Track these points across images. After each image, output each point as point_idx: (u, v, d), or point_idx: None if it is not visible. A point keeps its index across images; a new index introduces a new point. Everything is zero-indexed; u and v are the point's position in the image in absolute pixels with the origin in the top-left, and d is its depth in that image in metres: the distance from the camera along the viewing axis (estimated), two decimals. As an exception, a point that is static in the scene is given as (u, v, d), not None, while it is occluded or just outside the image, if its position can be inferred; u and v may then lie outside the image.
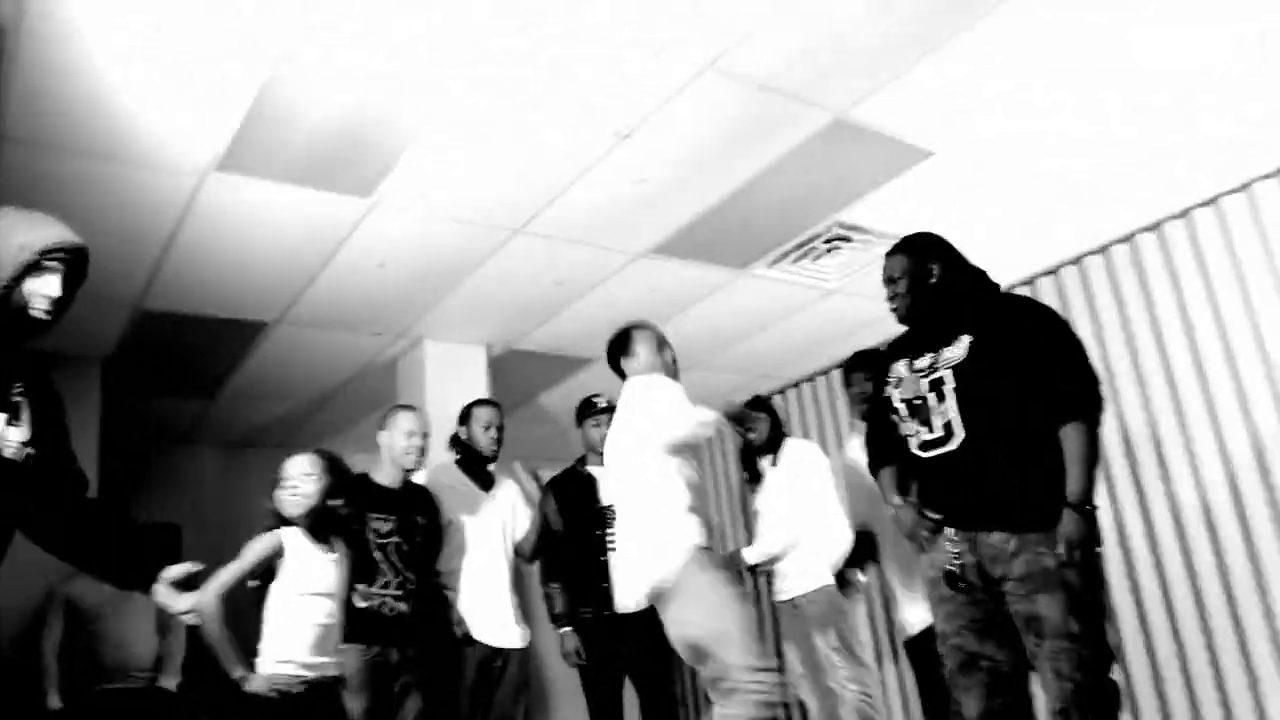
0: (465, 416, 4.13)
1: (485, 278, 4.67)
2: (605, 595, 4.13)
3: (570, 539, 4.24)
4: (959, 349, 2.77)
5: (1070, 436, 2.60)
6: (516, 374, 5.73)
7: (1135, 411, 4.70)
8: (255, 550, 2.85)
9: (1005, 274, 3.68)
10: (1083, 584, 2.54)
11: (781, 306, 5.37)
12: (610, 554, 4.22)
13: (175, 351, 5.13)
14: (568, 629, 4.18)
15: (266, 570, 2.86)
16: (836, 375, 6.35)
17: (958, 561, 2.68)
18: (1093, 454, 2.60)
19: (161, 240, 3.99)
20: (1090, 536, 2.55)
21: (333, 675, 2.87)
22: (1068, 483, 2.58)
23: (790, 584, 4.11)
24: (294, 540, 2.90)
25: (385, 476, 3.72)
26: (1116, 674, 2.58)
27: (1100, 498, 4.56)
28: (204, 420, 6.19)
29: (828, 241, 4.74)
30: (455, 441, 4.12)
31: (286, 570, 2.85)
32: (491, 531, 3.95)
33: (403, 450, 3.70)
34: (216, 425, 6.29)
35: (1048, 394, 2.63)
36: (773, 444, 4.28)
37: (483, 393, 5.39)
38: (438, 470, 4.10)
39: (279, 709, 2.67)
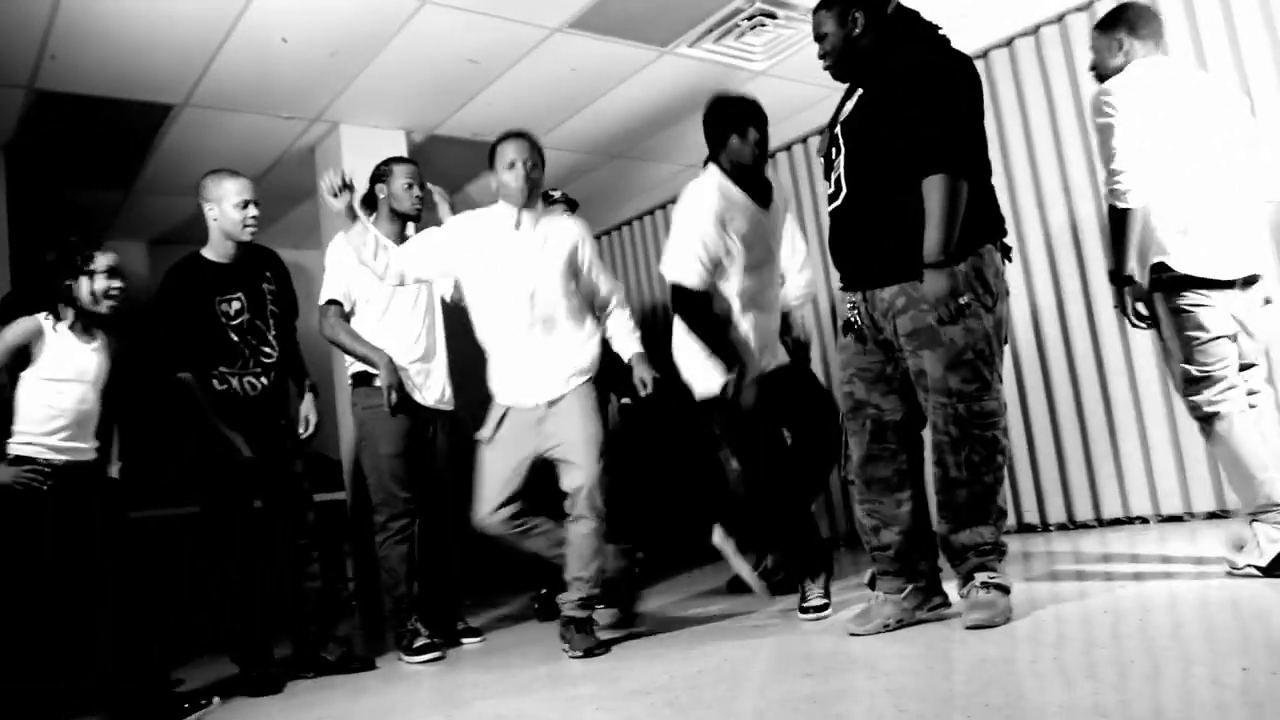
0: (382, 174, 3.78)
1: (396, 53, 4.49)
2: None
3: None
4: (853, 102, 2.72)
5: (929, 189, 2.50)
6: (440, 163, 5.60)
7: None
8: (16, 333, 2.72)
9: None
10: (965, 342, 2.55)
11: (706, 89, 5.21)
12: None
13: (82, 137, 4.95)
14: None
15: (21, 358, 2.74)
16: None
17: (853, 312, 2.73)
18: (952, 207, 2.47)
19: (44, 14, 3.77)
20: (953, 291, 2.49)
21: (88, 460, 2.79)
22: (925, 240, 2.50)
23: None
24: (55, 327, 2.78)
25: (218, 253, 3.41)
26: (1000, 432, 2.61)
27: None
28: (123, 214, 6.04)
29: (750, 18, 4.59)
30: (369, 202, 3.82)
31: (45, 356, 2.74)
32: (415, 295, 3.75)
33: (238, 222, 3.35)
34: (136, 219, 6.14)
35: (916, 144, 2.52)
36: None
37: (404, 181, 5.29)
38: (352, 234, 3.88)
39: (24, 497, 2.64)
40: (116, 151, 5.18)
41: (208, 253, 3.43)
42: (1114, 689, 1.83)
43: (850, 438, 2.81)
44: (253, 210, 3.39)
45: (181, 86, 4.53)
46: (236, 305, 3.40)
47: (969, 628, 2.49)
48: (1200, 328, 2.76)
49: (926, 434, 2.73)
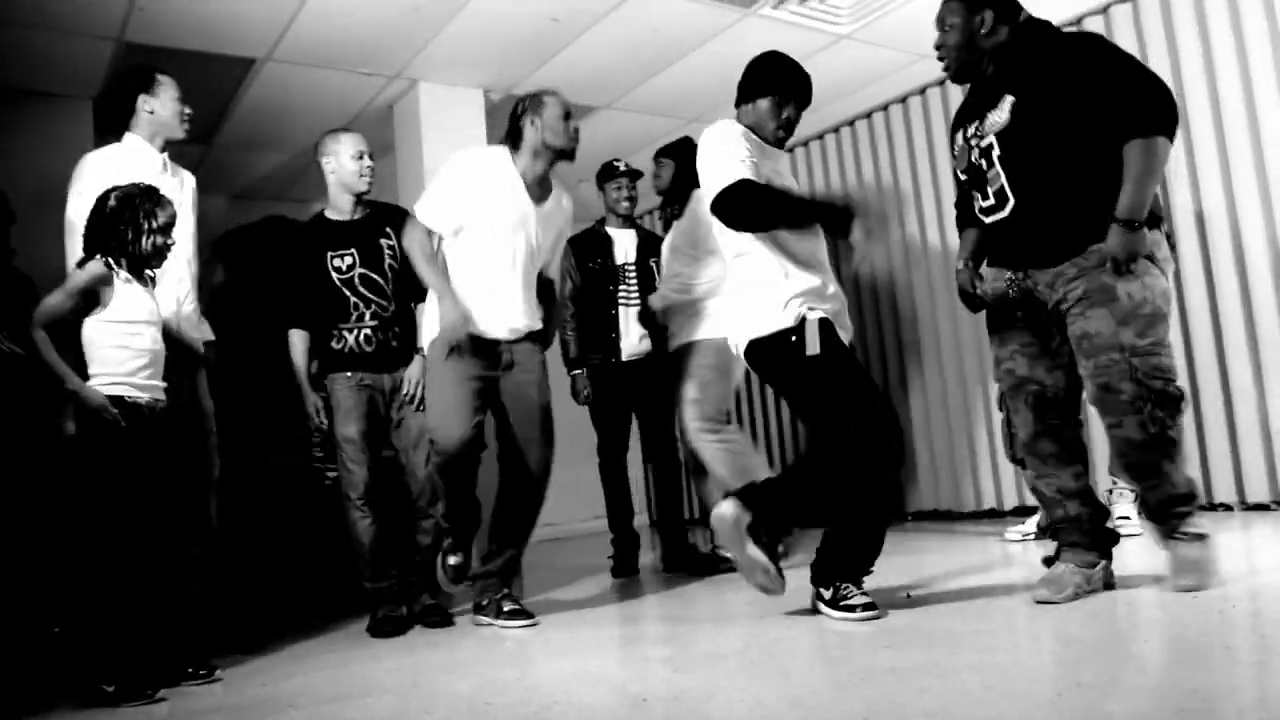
0: (530, 105, 3.29)
1: (478, 10, 4.45)
2: (614, 344, 4.41)
3: (585, 293, 4.42)
4: (1002, 113, 2.66)
5: (1130, 152, 2.48)
6: (517, 124, 5.58)
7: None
8: (84, 277, 2.73)
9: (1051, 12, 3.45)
10: (1142, 296, 2.51)
11: (789, 53, 5.12)
12: (621, 308, 4.43)
13: (166, 91, 5.00)
14: (579, 372, 4.43)
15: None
16: (847, 132, 6.21)
17: (1003, 287, 2.74)
18: (1151, 169, 2.47)
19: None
20: (1136, 252, 2.48)
21: (163, 400, 2.82)
22: (1120, 198, 2.47)
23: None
24: (118, 272, 2.78)
25: (337, 209, 3.51)
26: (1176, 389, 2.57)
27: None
28: (205, 168, 6.11)
29: (839, -23, 4.49)
30: (513, 135, 3.31)
31: (117, 300, 2.75)
32: (521, 241, 3.26)
33: (354, 173, 3.47)
34: (218, 175, 6.21)
35: (1113, 119, 2.49)
36: (677, 193, 4.29)
37: (482, 140, 5.27)
38: (486, 155, 3.34)
39: (117, 430, 2.68)
40: (200, 106, 5.14)
41: (328, 211, 3.53)
42: (1219, 675, 1.77)
43: (1014, 416, 2.83)
44: (367, 161, 3.50)
45: (265, 41, 4.56)
46: (348, 260, 3.43)
47: (1178, 590, 2.51)
48: None
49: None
